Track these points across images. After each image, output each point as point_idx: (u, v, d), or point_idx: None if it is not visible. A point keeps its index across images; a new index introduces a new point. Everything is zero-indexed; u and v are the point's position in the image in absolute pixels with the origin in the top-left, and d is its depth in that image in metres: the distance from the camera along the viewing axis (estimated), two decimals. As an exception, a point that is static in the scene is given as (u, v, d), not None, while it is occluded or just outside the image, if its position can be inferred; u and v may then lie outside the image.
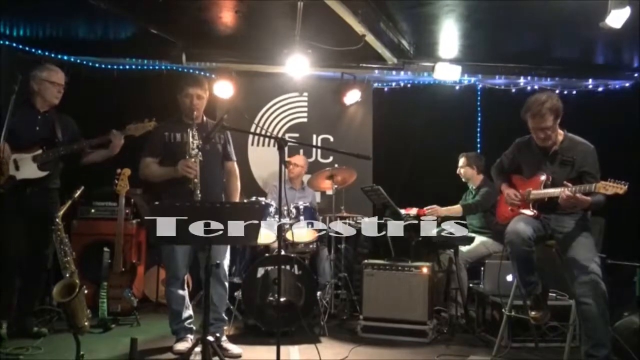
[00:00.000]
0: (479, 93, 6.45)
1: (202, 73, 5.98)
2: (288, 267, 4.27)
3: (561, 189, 3.23)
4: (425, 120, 6.25)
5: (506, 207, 3.64)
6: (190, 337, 3.77)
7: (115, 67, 5.84)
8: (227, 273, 3.87)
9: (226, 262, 3.85)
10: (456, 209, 4.94)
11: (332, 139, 6.32)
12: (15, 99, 3.76)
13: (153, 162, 3.75)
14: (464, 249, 4.76)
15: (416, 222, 4.64)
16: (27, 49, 5.50)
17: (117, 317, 4.46)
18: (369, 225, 5.45)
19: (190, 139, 3.61)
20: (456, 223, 4.58)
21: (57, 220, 3.63)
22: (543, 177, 3.43)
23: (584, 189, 3.16)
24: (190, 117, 3.70)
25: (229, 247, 3.89)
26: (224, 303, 3.84)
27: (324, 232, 4.85)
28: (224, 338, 3.81)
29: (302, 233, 4.66)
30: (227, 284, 3.84)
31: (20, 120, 3.93)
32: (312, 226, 4.71)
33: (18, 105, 3.91)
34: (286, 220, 4.53)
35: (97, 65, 5.80)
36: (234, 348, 3.71)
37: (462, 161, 5.18)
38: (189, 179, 3.53)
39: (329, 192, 5.28)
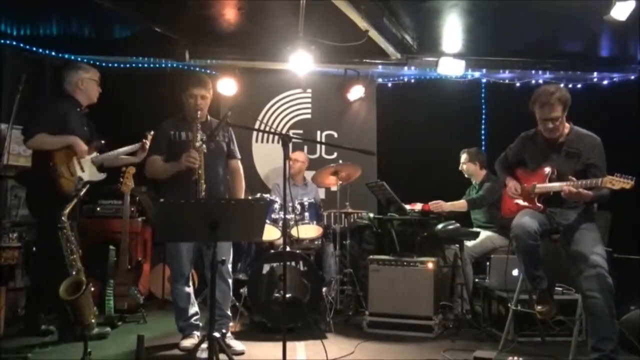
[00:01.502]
0: (483, 87, 6.44)
1: (206, 71, 5.99)
2: (293, 264, 4.28)
3: (566, 184, 3.22)
4: (429, 116, 6.25)
5: (511, 201, 3.63)
6: (197, 333, 3.78)
7: (118, 65, 5.85)
8: (230, 270, 3.87)
9: (229, 259, 3.86)
10: (461, 203, 4.93)
11: (336, 135, 6.32)
12: (19, 98, 3.77)
13: (158, 159, 3.76)
14: (469, 243, 4.75)
15: (421, 217, 4.65)
16: (30, 48, 5.52)
17: (124, 315, 4.48)
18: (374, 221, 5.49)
19: (194, 134, 3.62)
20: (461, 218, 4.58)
21: (62, 218, 3.62)
22: (548, 170, 3.41)
23: (590, 184, 3.15)
24: (194, 117, 3.70)
25: (231, 244, 3.89)
26: (227, 300, 3.84)
27: (329, 228, 4.84)
28: (229, 335, 3.81)
29: (307, 229, 4.66)
30: (230, 281, 3.84)
31: (70, 118, 3.93)
32: (317, 222, 4.72)
33: (56, 102, 3.95)
34: (291, 217, 4.55)
35: (100, 64, 5.80)
36: (237, 345, 3.72)
37: (463, 157, 5.17)
38: (193, 171, 3.54)
39: (334, 188, 5.28)
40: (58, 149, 3.83)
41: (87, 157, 3.97)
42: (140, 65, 5.94)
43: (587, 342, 3.22)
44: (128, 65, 5.89)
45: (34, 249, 4.63)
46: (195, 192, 3.51)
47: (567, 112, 3.36)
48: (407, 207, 4.73)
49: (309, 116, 6.36)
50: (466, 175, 5.20)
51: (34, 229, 4.40)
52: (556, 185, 3.32)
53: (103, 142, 4.18)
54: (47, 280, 3.78)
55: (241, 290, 4.38)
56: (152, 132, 4.05)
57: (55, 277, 3.59)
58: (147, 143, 4.14)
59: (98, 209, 5.24)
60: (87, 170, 3.96)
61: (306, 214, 4.66)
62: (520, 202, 3.54)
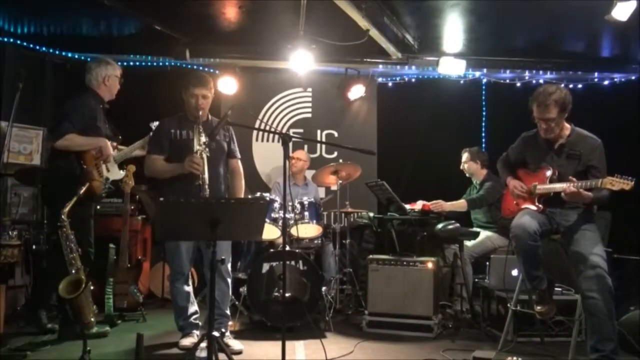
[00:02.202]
0: (483, 87, 6.44)
1: (206, 69, 5.99)
2: (293, 263, 4.28)
3: (567, 184, 3.22)
4: (430, 115, 6.24)
5: (511, 201, 3.63)
6: (197, 332, 3.78)
7: (119, 63, 5.82)
8: (229, 269, 3.87)
9: (228, 259, 3.85)
10: (461, 203, 4.93)
11: (336, 134, 6.32)
12: (19, 96, 3.75)
13: (159, 159, 3.74)
14: (469, 243, 4.75)
15: (421, 217, 4.65)
16: (31, 45, 5.52)
17: (123, 313, 4.48)
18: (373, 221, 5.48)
19: (197, 136, 3.61)
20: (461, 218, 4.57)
21: (62, 217, 3.61)
22: (549, 172, 3.41)
23: (590, 185, 3.15)
24: (195, 116, 3.69)
25: (231, 243, 3.89)
26: (227, 299, 3.83)
27: (329, 227, 4.84)
28: (228, 334, 3.81)
29: (307, 228, 4.66)
30: (229, 280, 3.84)
31: (98, 116, 3.91)
32: (317, 222, 4.72)
33: (84, 99, 3.91)
34: (291, 216, 4.55)
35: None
36: (235, 344, 3.71)
37: (465, 156, 5.18)
38: (195, 175, 3.53)
39: (334, 187, 5.28)
40: (87, 150, 3.81)
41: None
42: (140, 63, 5.93)
43: (586, 342, 3.23)
44: (128, 64, 5.87)
45: (34, 247, 4.65)
46: (199, 195, 3.49)
47: (566, 113, 3.35)
48: (408, 206, 4.73)
49: (309, 115, 6.36)
50: (467, 175, 5.20)
51: (50, 228, 4.38)
52: (557, 186, 3.32)
53: (120, 137, 4.18)
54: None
55: (241, 289, 4.38)
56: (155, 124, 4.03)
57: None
58: None
59: (98, 207, 5.21)
60: (111, 170, 3.97)
61: (306, 213, 4.66)
62: (521, 202, 3.54)
